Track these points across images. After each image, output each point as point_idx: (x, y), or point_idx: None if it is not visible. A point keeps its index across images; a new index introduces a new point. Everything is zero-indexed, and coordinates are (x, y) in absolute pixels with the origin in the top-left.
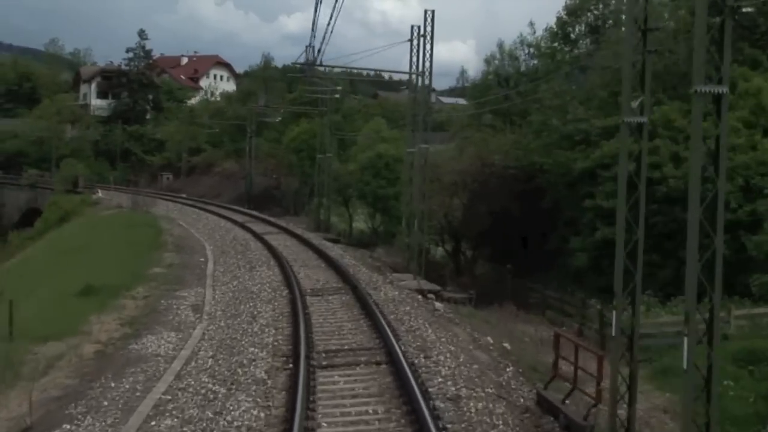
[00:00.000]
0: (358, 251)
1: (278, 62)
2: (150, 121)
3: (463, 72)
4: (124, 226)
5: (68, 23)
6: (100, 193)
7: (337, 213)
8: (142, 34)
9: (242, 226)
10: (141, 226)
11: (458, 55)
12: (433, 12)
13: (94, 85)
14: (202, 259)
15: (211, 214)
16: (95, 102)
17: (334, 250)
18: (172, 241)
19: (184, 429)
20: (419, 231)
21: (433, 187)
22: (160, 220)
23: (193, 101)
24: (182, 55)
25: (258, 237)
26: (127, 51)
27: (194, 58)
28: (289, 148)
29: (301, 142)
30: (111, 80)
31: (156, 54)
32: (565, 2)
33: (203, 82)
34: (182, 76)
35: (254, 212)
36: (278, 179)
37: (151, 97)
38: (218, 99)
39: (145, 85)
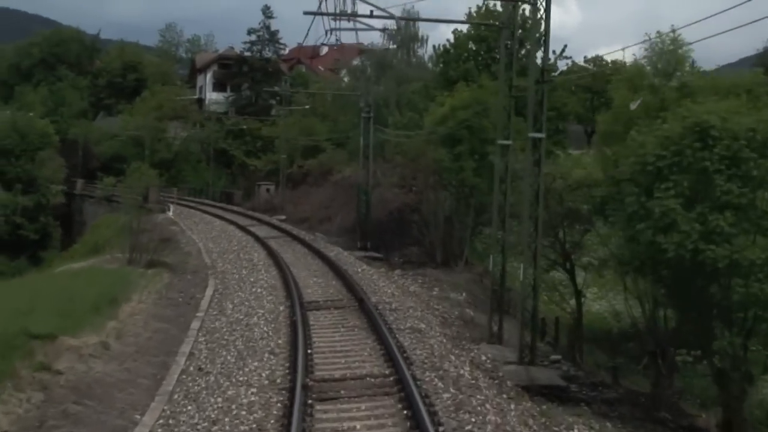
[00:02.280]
0: None
1: None
2: (276, 119)
3: None
4: None
5: (223, 28)
6: (170, 212)
7: (543, 271)
8: (266, 11)
9: (301, 324)
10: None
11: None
12: None
13: (209, 76)
14: None
15: (276, 271)
16: (211, 96)
17: None
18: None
19: None
20: None
21: None
22: (149, 289)
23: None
24: (322, 44)
25: (310, 411)
26: (249, 32)
27: (335, 47)
28: (435, 138)
29: (458, 124)
30: (229, 69)
31: (291, 43)
32: None
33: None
34: (321, 68)
35: (367, 259)
36: (419, 195)
37: (278, 89)
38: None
39: (270, 74)
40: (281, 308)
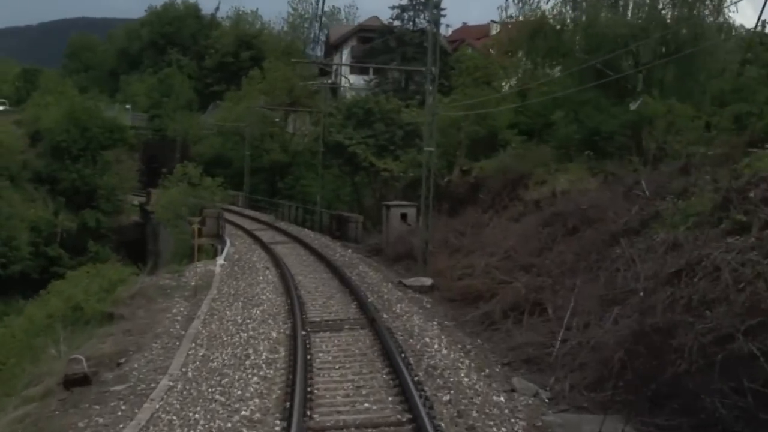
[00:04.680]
0: None
1: None
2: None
3: None
4: None
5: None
6: (220, 260)
7: None
8: None
9: None
10: None
11: None
12: None
13: (346, 53)
14: None
15: None
16: (349, 79)
17: None
18: None
19: None
20: None
21: None
22: None
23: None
24: (492, 22)
25: None
26: None
27: (509, 26)
28: None
29: None
30: (372, 43)
31: (455, 23)
32: None
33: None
34: (491, 51)
35: None
36: None
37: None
38: None
39: (426, 50)
40: None
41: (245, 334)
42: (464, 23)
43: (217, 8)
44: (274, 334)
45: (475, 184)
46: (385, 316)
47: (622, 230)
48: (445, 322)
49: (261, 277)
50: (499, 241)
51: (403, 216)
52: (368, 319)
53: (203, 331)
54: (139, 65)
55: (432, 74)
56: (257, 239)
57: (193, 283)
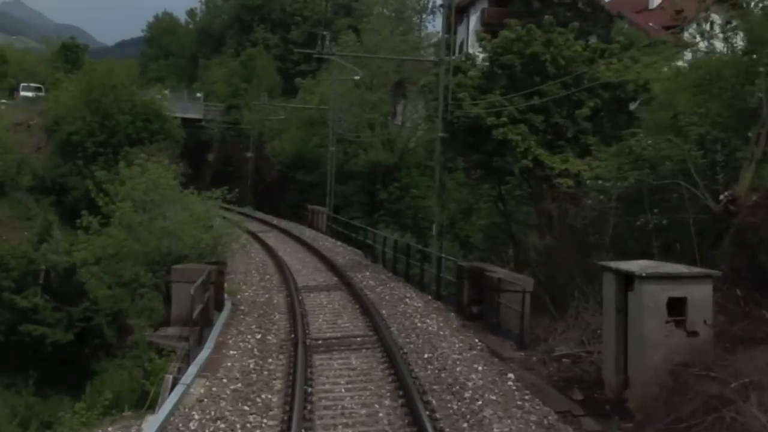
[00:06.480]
0: None
1: None
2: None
3: None
4: None
5: None
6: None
7: None
8: None
9: None
10: None
11: None
12: None
13: (474, 20)
14: None
15: None
16: (478, 53)
17: None
18: None
19: None
20: None
21: None
22: None
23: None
24: None
25: None
26: None
27: None
28: None
29: None
30: (509, 7)
31: None
32: None
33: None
34: (651, 24)
35: None
36: None
37: (594, 38)
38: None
39: (582, 14)
40: None
41: None
42: None
43: None
44: None
45: None
46: None
47: None
48: None
49: None
50: None
51: (676, 305)
52: None
53: None
54: (221, 47)
55: None
56: (294, 326)
57: None
